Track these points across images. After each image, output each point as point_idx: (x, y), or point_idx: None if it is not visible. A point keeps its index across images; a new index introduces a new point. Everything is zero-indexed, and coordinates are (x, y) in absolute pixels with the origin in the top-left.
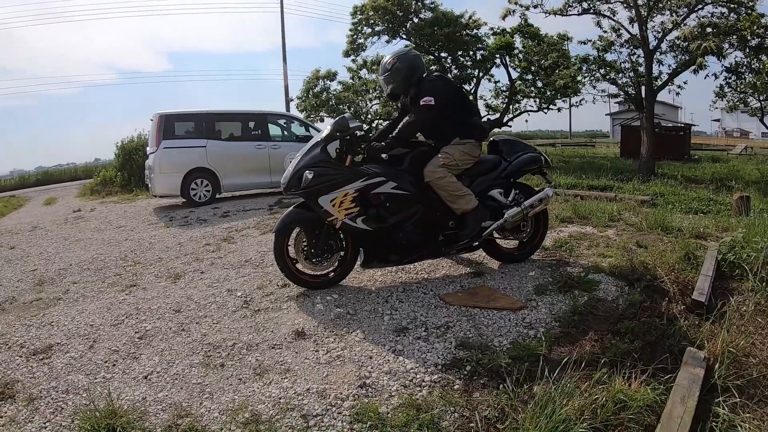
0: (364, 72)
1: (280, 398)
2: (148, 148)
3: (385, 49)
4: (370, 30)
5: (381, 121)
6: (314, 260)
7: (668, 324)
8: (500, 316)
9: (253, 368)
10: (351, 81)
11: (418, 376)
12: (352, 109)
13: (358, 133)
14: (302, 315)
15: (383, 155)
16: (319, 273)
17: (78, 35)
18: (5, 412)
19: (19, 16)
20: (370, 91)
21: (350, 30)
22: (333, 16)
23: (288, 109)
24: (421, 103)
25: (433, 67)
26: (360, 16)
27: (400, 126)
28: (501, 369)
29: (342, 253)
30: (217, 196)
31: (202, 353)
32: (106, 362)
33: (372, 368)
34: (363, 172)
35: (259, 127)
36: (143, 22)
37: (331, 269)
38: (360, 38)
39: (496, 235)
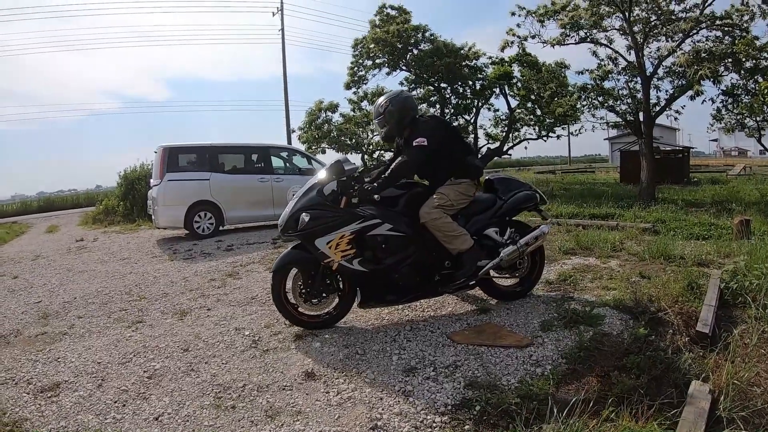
0: (365, 104)
1: None
2: (151, 180)
3: (386, 80)
4: (370, 62)
5: (382, 152)
6: (313, 301)
7: (673, 357)
8: (507, 353)
9: (265, 410)
10: (352, 113)
11: (428, 417)
12: (353, 140)
13: (355, 174)
14: (311, 355)
15: (375, 196)
16: (316, 313)
17: (82, 63)
18: None
19: (27, 43)
20: (371, 122)
21: (351, 62)
22: (332, 46)
23: (289, 140)
24: (414, 143)
25: (433, 98)
26: (361, 49)
27: (392, 166)
28: (510, 409)
29: (339, 294)
30: (221, 228)
31: (212, 394)
32: (115, 402)
33: (383, 409)
34: (359, 215)
35: (262, 160)
36: (146, 51)
37: (328, 309)
38: (361, 70)
39: (493, 273)
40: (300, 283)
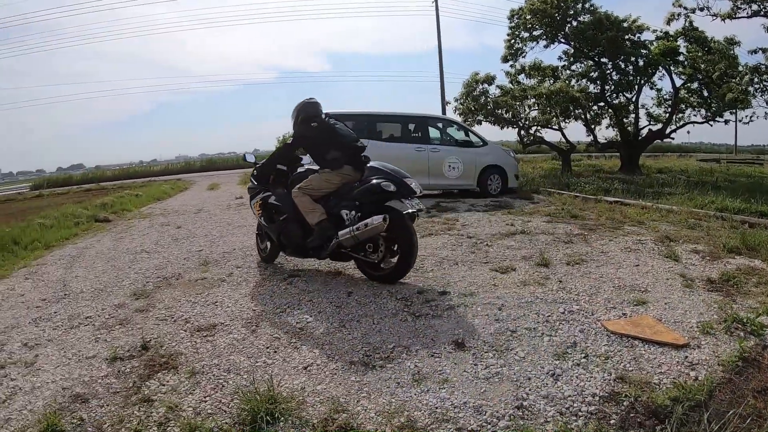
0: (522, 77)
1: (436, 408)
2: None
3: (543, 54)
4: (527, 34)
5: (538, 128)
6: (260, 244)
7: None
8: (662, 351)
9: (412, 374)
10: (510, 85)
11: (575, 404)
12: (510, 113)
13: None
14: (462, 326)
15: (254, 171)
16: (264, 252)
17: (241, 37)
18: (167, 381)
19: (190, 20)
20: (529, 97)
21: (508, 35)
22: (487, 18)
23: (444, 112)
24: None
25: (593, 74)
26: (517, 20)
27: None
28: (659, 409)
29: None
30: None
31: (361, 352)
32: (267, 348)
33: (530, 390)
34: (264, 188)
35: (419, 130)
36: (307, 25)
37: (268, 249)
38: (517, 43)
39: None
40: None
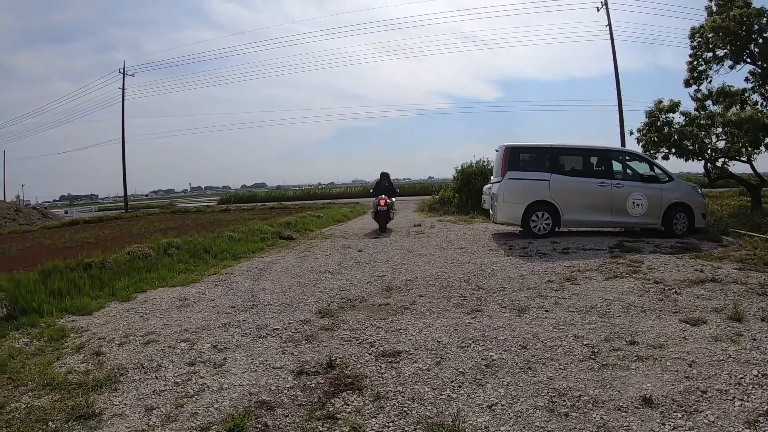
0: (708, 103)
1: None
2: (492, 177)
3: (729, 76)
4: (711, 54)
5: (725, 159)
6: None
7: None
8: None
9: (598, 426)
10: (695, 113)
11: None
12: (696, 145)
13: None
14: (650, 380)
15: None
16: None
17: (414, 68)
18: (352, 402)
19: (369, 52)
20: (716, 125)
21: (690, 56)
22: (662, 38)
23: (623, 142)
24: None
25: None
26: (699, 39)
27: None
28: None
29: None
30: (556, 229)
31: (546, 397)
32: (452, 382)
33: None
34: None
35: (602, 164)
36: (476, 54)
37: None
38: (701, 65)
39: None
40: None
